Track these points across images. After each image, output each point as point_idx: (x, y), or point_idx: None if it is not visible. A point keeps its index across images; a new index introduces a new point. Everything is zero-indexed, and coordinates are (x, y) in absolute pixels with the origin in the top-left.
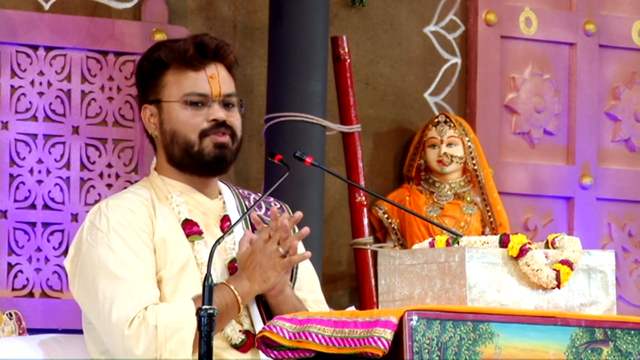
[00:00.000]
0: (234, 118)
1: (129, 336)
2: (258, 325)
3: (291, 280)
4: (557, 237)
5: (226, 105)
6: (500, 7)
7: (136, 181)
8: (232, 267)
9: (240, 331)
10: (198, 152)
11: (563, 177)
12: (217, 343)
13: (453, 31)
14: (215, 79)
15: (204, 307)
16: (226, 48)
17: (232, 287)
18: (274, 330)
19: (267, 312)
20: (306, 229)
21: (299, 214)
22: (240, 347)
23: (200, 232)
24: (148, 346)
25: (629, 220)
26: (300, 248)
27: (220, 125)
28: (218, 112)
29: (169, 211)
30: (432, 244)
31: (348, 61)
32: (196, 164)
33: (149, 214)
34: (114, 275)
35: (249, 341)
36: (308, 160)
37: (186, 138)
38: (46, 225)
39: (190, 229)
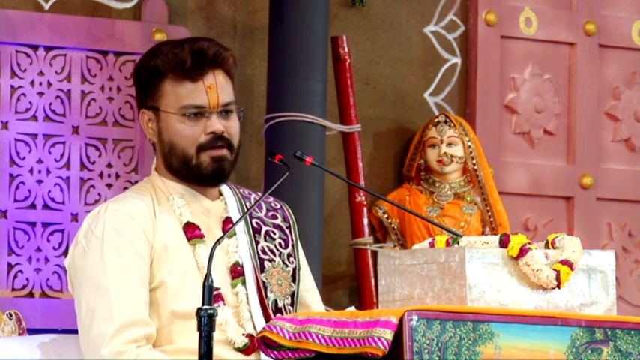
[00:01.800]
0: (232, 127)
1: (103, 357)
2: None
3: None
4: (557, 237)
5: (225, 112)
6: (500, 7)
7: (136, 182)
8: (234, 270)
9: (243, 334)
10: (196, 166)
11: (563, 177)
12: (219, 346)
13: (453, 31)
14: (213, 89)
15: (204, 307)
16: (225, 54)
17: None
18: (274, 330)
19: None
20: None
21: None
22: (243, 351)
23: (201, 236)
24: None
25: (629, 220)
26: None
27: (218, 138)
28: (216, 125)
29: (171, 214)
30: (432, 244)
31: (348, 61)
32: (194, 177)
33: (150, 219)
34: (100, 287)
35: (252, 345)
36: (308, 160)
37: (184, 151)
38: (46, 225)
39: (192, 232)
